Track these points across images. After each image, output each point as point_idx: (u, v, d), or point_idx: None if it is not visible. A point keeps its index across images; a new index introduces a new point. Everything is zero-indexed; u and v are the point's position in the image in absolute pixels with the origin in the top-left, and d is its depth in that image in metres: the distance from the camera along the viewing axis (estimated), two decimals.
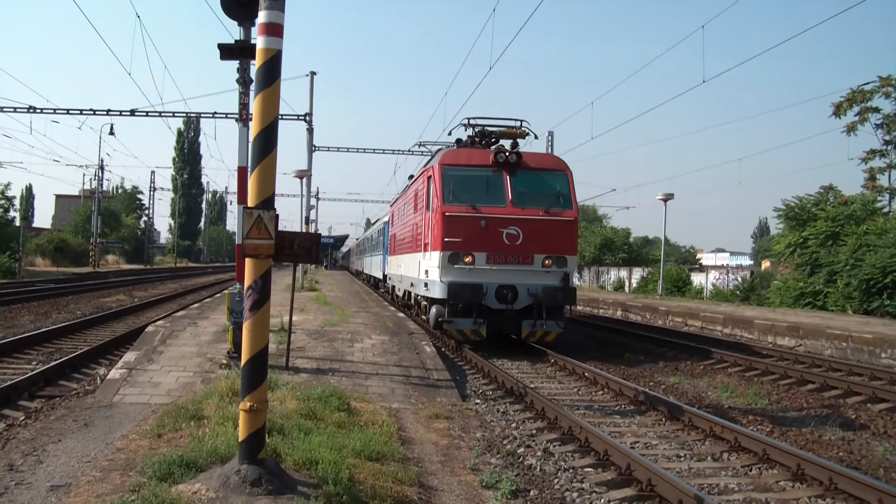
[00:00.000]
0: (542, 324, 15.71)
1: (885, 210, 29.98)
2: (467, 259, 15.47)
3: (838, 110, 31.40)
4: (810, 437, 9.34)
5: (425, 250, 16.95)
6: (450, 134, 18.65)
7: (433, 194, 16.29)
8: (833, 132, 43.57)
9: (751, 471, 7.90)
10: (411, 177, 24.03)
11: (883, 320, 22.48)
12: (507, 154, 16.18)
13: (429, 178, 16.94)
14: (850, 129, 31.23)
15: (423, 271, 17.07)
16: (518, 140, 17.32)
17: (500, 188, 16.03)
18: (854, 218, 28.82)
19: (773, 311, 26.38)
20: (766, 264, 47.33)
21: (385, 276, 30.20)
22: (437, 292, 15.64)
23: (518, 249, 15.65)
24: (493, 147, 17.25)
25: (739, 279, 37.04)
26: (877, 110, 30.77)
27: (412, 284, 19.55)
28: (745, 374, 14.14)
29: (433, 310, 16.23)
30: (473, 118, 18.17)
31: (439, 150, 19.00)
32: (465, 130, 18.30)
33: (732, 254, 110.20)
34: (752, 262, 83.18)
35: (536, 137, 17.58)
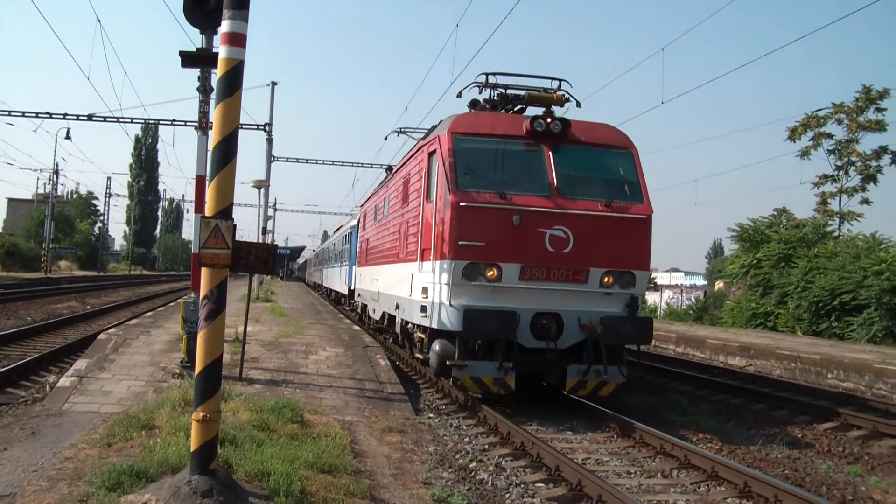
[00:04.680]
0: (599, 370, 11.03)
1: (836, 234, 30.58)
2: (490, 273, 10.75)
3: (793, 135, 31.99)
4: (758, 455, 9.51)
5: (423, 259, 11.96)
6: (459, 96, 13.14)
7: (438, 176, 11.41)
8: (787, 156, 44.36)
9: (699, 488, 8.02)
10: (390, 168, 19.37)
11: (830, 342, 22.95)
12: (549, 120, 11.42)
13: (431, 153, 12.02)
14: (804, 153, 31.79)
15: (419, 289, 12.02)
16: (555, 108, 12.22)
17: (539, 169, 11.37)
18: (806, 241, 29.39)
19: (726, 331, 26.80)
20: (719, 285, 48.07)
21: (352, 291, 25.33)
22: (445, 321, 10.89)
23: (566, 260, 10.97)
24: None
25: (693, 299, 37.57)
26: (830, 136, 31.41)
27: (398, 307, 14.21)
28: (696, 393, 14.31)
29: (436, 347, 11.19)
30: (493, 74, 12.95)
31: (433, 129, 13.34)
32: (481, 93, 13.17)
33: (687, 273, 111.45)
34: (706, 283, 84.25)
35: (580, 105, 12.76)
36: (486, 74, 12.89)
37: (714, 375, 16.52)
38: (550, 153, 11.37)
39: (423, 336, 12.22)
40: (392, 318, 15.54)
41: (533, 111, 12.28)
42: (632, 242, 11.43)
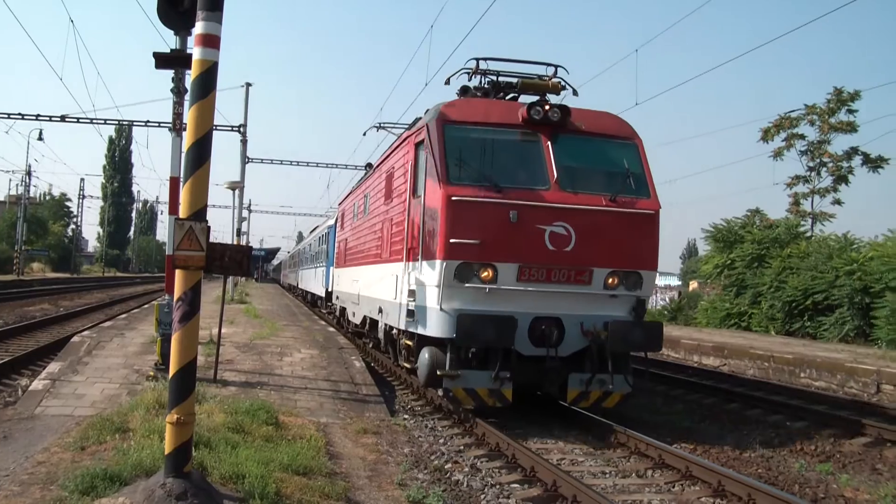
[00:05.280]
0: (604, 379, 10.25)
1: (808, 234, 30.88)
2: (485, 274, 9.81)
3: (766, 136, 32.23)
4: (731, 455, 9.58)
5: (410, 259, 10.98)
6: (447, 83, 12.20)
7: (427, 168, 10.45)
8: (760, 157, 44.76)
9: (674, 487, 8.08)
10: (369, 165, 18.61)
11: (803, 341, 23.19)
12: (547, 108, 10.50)
13: (417, 144, 11.07)
14: (777, 154, 32.07)
15: (406, 292, 11.07)
16: (550, 96, 11.39)
17: (537, 160, 10.41)
18: (779, 241, 29.64)
19: (700, 331, 27.01)
20: (693, 285, 48.45)
21: (330, 293, 24.44)
22: (435, 328, 9.98)
23: (567, 259, 10.05)
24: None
25: (668, 299, 37.78)
26: (802, 137, 31.68)
27: (381, 310, 13.36)
28: (670, 393, 14.40)
29: (425, 355, 10.28)
30: (484, 59, 11.95)
31: (419, 119, 12.24)
32: (470, 80, 12.13)
33: (661, 274, 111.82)
34: (680, 283, 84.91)
35: (576, 94, 11.86)
36: (477, 60, 11.91)
37: (688, 375, 16.62)
38: (549, 143, 10.44)
39: (409, 343, 11.37)
40: (374, 322, 14.64)
41: (527, 101, 11.21)
42: (638, 240, 10.52)
